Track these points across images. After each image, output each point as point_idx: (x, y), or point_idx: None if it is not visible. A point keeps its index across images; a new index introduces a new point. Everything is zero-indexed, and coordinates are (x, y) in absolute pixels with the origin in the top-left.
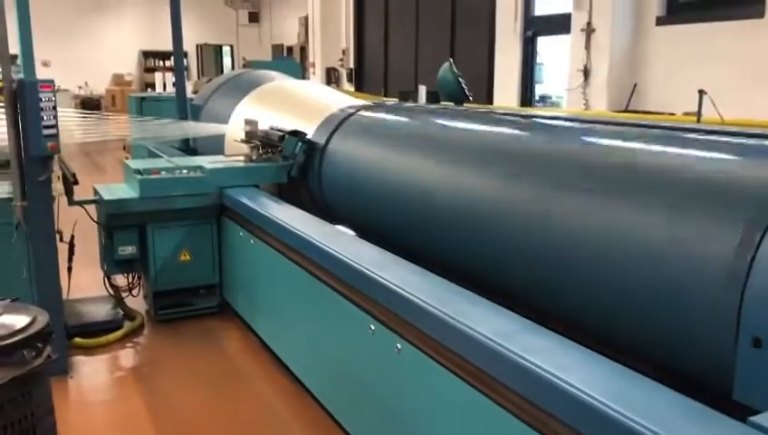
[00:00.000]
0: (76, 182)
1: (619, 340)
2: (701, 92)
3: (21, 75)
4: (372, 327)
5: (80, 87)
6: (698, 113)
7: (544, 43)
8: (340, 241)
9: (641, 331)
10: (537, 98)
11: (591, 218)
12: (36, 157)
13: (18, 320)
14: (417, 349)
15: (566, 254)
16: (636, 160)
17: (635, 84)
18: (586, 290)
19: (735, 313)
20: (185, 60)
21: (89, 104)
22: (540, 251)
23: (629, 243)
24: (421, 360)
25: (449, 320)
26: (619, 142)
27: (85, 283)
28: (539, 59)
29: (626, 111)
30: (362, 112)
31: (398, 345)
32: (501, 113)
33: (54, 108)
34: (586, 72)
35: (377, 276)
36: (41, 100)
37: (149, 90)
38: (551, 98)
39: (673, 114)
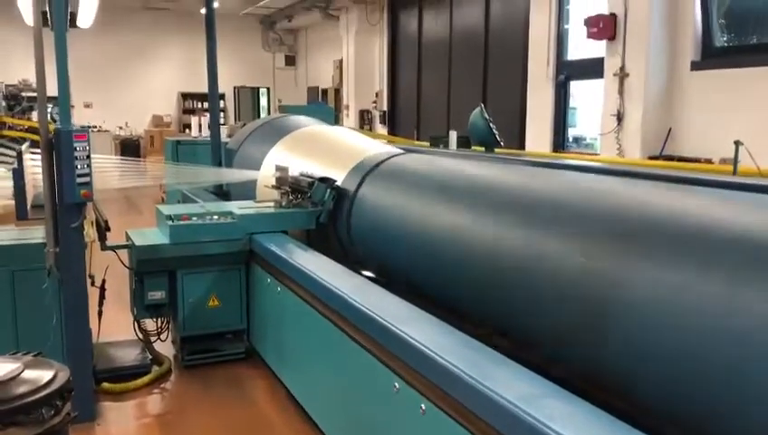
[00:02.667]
0: (108, 229)
1: (657, 406)
2: (737, 144)
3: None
4: (396, 385)
5: (120, 128)
6: (734, 164)
7: (579, 84)
8: (366, 293)
9: (680, 397)
10: (571, 140)
11: (637, 279)
12: (70, 204)
13: (39, 376)
14: (441, 411)
15: (608, 313)
16: (682, 219)
17: (669, 129)
18: (623, 351)
19: None
20: (222, 101)
21: (128, 145)
22: (577, 309)
23: (675, 306)
24: (445, 422)
25: (474, 382)
26: (666, 199)
27: (116, 325)
28: (572, 102)
29: (660, 156)
30: (392, 160)
31: (423, 406)
32: (533, 162)
33: (89, 156)
34: (619, 117)
35: (402, 333)
36: (75, 149)
37: (187, 130)
38: (585, 139)
39: (709, 160)
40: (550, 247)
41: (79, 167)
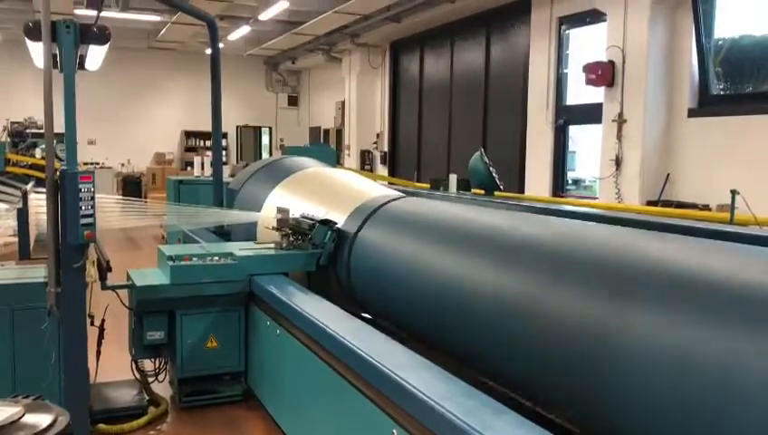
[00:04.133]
0: (110, 269)
1: None
2: (733, 193)
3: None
4: (395, 432)
5: (122, 164)
6: (731, 212)
7: (578, 128)
8: (365, 339)
9: None
10: (570, 182)
11: (636, 330)
12: (73, 245)
13: (39, 420)
14: None
15: (608, 363)
16: (682, 271)
17: (668, 174)
18: (622, 403)
19: None
20: (225, 140)
21: (130, 182)
22: (577, 357)
23: (674, 358)
24: None
25: (472, 431)
26: (664, 250)
27: (114, 364)
28: (571, 145)
29: (659, 201)
30: (393, 203)
31: None
32: (532, 208)
33: (93, 198)
34: (618, 162)
35: (401, 380)
36: (80, 190)
37: (189, 168)
38: (584, 181)
39: (707, 205)
40: (549, 295)
41: (83, 208)
